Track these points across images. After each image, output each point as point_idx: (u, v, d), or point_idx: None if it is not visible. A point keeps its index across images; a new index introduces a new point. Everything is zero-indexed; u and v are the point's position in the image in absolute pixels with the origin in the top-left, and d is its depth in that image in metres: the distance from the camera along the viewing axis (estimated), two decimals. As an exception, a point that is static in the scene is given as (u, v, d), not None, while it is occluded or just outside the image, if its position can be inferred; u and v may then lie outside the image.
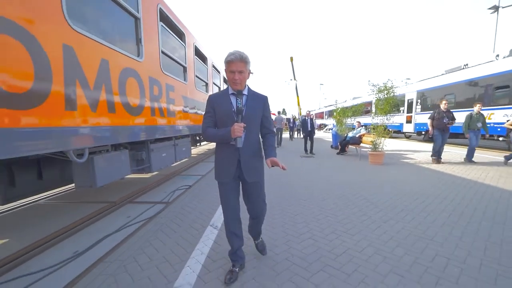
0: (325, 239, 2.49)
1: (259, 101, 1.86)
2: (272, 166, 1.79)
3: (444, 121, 6.59)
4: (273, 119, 34.08)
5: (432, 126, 6.82)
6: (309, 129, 9.37)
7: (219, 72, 9.22)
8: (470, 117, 6.77)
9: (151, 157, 3.89)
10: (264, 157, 1.90)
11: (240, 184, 1.92)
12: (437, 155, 6.78)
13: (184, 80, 5.53)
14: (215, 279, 1.89)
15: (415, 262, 2.07)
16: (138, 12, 3.49)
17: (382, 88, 6.89)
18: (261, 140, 1.94)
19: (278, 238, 2.53)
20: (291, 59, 34.62)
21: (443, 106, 6.74)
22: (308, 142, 9.46)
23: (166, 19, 4.52)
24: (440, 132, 6.67)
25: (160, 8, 4.22)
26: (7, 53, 1.73)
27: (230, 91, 1.80)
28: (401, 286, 1.76)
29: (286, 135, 20.67)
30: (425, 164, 6.75)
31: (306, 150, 9.57)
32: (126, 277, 1.94)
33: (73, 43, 2.33)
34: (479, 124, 6.74)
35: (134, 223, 3.09)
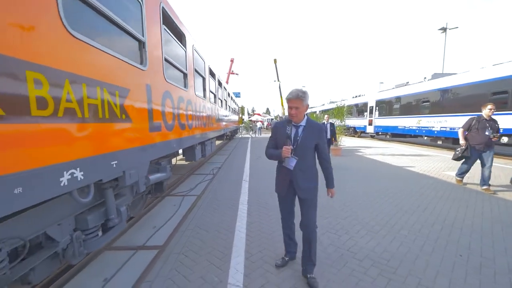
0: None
1: (314, 130, 2.10)
2: (331, 196, 2.25)
3: (487, 133, 4.68)
4: (259, 121, 36.30)
5: (466, 139, 5.02)
6: (328, 136, 7.80)
7: (214, 75, 8.25)
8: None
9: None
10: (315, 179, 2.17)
11: (297, 197, 2.21)
12: (462, 175, 5.20)
13: (203, 97, 6.18)
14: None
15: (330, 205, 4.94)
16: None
17: (338, 105, 9.99)
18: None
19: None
20: (275, 61, 37.01)
21: (486, 112, 4.77)
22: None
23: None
24: (476, 150, 4.83)
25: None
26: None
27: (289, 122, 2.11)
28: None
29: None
30: (368, 155, 9.87)
31: None
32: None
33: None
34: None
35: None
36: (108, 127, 2.09)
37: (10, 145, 1.27)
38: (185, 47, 4.79)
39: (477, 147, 4.84)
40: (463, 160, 5.16)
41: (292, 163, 2.06)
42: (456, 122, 10.66)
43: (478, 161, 5.00)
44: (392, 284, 2.11)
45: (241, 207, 4.03)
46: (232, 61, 34.25)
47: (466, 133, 5.05)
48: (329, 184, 2.23)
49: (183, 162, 8.49)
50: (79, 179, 1.73)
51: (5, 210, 1.26)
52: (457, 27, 26.28)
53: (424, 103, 12.71)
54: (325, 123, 8.00)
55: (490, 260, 2.46)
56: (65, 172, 1.60)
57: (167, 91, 3.62)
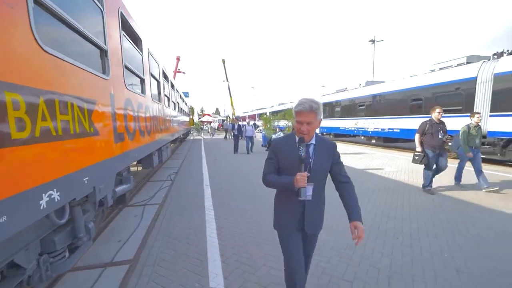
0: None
1: (328, 150, 1.69)
2: (356, 237, 1.54)
3: (440, 136, 4.92)
4: (210, 122, 35.72)
5: (421, 144, 5.11)
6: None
7: (167, 77, 7.99)
8: (468, 132, 5.17)
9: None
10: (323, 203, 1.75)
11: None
12: (430, 185, 5.13)
13: (159, 100, 6.30)
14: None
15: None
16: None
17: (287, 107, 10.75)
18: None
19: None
20: (223, 61, 37.02)
21: (436, 115, 4.96)
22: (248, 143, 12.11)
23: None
24: (434, 152, 5.00)
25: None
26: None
27: (297, 139, 1.62)
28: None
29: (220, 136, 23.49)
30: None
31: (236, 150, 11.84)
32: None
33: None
34: (478, 141, 5.22)
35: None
36: (79, 142, 2.01)
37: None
38: (142, 52, 4.62)
39: (432, 150, 4.97)
40: (424, 167, 5.15)
41: (309, 192, 1.60)
42: (385, 124, 12.46)
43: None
44: (350, 269, 2.53)
45: (207, 212, 4.13)
46: (178, 59, 32.57)
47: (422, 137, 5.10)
48: (356, 215, 1.63)
49: (135, 169, 8.03)
50: (56, 200, 1.65)
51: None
52: (382, 40, 30.57)
53: (360, 107, 14.49)
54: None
55: (417, 240, 3.13)
56: (43, 195, 1.53)
57: (128, 99, 3.49)
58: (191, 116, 26.09)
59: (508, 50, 8.52)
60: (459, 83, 9.02)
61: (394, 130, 11.81)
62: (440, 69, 10.32)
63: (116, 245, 3.12)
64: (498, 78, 7.81)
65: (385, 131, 12.46)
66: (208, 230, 3.47)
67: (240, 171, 7.61)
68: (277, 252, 2.81)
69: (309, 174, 1.55)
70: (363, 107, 14.24)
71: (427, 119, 5.13)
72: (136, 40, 4.36)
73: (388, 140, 12.82)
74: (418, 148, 5.14)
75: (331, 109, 17.72)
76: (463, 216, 3.81)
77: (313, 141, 1.68)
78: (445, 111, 9.31)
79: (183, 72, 35.53)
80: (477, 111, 5.33)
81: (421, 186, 5.27)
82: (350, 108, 15.44)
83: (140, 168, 7.94)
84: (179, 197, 5.04)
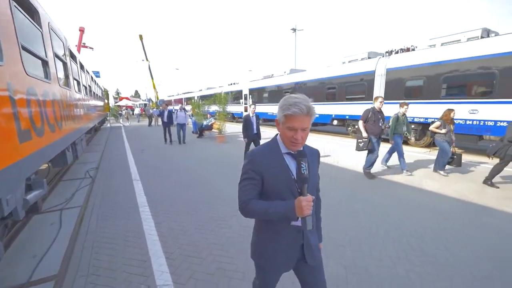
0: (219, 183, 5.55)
1: (315, 158, 1.36)
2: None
3: (380, 124, 5.31)
4: (129, 107, 31.99)
5: (366, 130, 5.32)
6: (255, 131, 6.59)
7: (75, 57, 6.78)
8: (396, 120, 5.63)
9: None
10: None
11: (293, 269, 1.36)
12: (370, 167, 5.42)
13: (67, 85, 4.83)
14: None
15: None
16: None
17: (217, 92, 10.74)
18: None
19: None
20: (141, 37, 33.33)
21: (378, 104, 5.33)
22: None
23: None
24: (377, 139, 5.37)
25: None
26: None
27: (284, 150, 1.24)
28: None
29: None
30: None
31: (167, 139, 10.61)
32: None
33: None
34: (405, 128, 5.73)
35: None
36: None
37: None
38: (41, 27, 3.78)
39: (375, 136, 5.31)
40: (368, 152, 5.44)
41: (311, 220, 1.14)
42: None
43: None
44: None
45: (142, 209, 3.90)
46: (82, 30, 26.47)
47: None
48: (321, 237, 1.48)
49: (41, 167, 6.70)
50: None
51: None
52: (303, 29, 33.04)
53: (286, 93, 15.58)
54: (251, 115, 6.56)
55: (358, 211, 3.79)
56: None
57: (31, 87, 2.89)
58: (106, 101, 22.77)
59: (412, 46, 10.24)
60: (362, 75, 10.75)
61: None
62: (349, 62, 12.03)
63: (32, 261, 2.66)
64: (389, 72, 9.69)
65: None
66: (146, 228, 3.32)
67: (173, 162, 7.31)
68: (221, 240, 2.98)
69: (314, 198, 1.14)
70: (288, 93, 15.40)
71: (370, 107, 5.48)
72: (32, 13, 3.52)
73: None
74: (364, 134, 5.33)
75: (259, 95, 18.45)
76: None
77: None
78: (353, 99, 11.19)
79: (91, 48, 30.07)
80: (406, 102, 5.78)
81: (362, 168, 5.61)
82: (277, 94, 16.44)
83: (46, 166, 6.68)
84: (105, 196, 4.55)
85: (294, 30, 30.36)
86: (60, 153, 4.29)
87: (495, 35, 7.62)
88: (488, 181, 4.67)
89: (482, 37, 7.60)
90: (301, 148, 1.22)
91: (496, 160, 4.73)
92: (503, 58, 6.78)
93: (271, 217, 1.17)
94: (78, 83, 7.00)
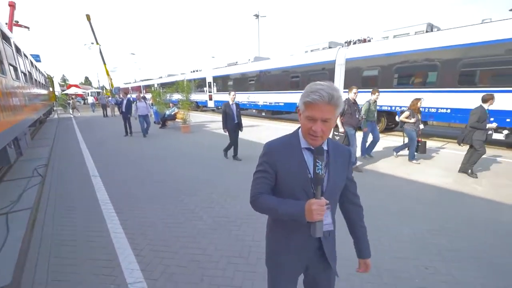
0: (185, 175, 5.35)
1: (343, 159, 1.18)
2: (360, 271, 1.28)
3: (357, 116, 5.15)
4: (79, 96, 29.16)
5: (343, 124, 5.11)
6: (236, 120, 6.01)
7: (8, 39, 5.92)
8: (368, 107, 5.63)
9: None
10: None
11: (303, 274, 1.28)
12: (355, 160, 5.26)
13: None
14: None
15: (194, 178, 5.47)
16: None
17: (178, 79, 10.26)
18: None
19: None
20: (88, 17, 30.17)
21: (352, 95, 5.13)
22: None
23: None
24: (355, 131, 5.19)
25: None
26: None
27: (304, 144, 1.11)
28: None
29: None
30: (214, 130, 11.13)
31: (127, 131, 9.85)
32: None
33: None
34: (375, 115, 5.88)
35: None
36: None
37: None
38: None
39: (353, 127, 5.14)
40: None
41: (327, 221, 1.12)
42: (272, 98, 14.02)
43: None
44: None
45: (104, 207, 3.68)
46: (12, 5, 21.40)
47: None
48: (369, 252, 1.29)
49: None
50: None
51: None
52: (265, 16, 32.82)
53: (251, 82, 15.55)
54: (231, 103, 5.96)
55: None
56: None
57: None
58: (50, 89, 20.26)
59: (369, 37, 10.75)
60: (324, 64, 11.16)
61: (280, 104, 13.55)
62: (311, 50, 12.35)
63: None
64: (348, 62, 10.21)
65: (272, 104, 14.08)
66: (111, 225, 3.15)
67: (136, 155, 6.90)
68: (192, 232, 2.97)
69: (328, 202, 1.01)
70: (253, 82, 15.35)
71: (345, 98, 5.10)
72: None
73: (276, 113, 14.60)
74: (341, 129, 5.10)
75: (223, 83, 18.12)
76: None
77: (324, 146, 1.12)
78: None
79: (26, 27, 25.90)
80: (377, 89, 5.79)
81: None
82: (242, 82, 16.30)
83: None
84: (60, 195, 4.18)
85: (257, 16, 30.01)
86: (2, 150, 3.78)
87: (437, 30, 8.46)
88: (468, 170, 4.72)
89: (427, 31, 8.37)
90: (322, 144, 1.07)
91: (466, 147, 4.84)
92: (443, 51, 7.59)
93: (280, 216, 1.08)
94: (15, 69, 6.14)
